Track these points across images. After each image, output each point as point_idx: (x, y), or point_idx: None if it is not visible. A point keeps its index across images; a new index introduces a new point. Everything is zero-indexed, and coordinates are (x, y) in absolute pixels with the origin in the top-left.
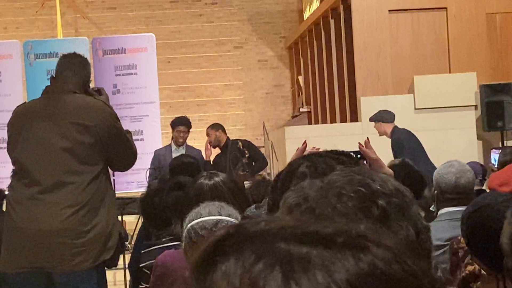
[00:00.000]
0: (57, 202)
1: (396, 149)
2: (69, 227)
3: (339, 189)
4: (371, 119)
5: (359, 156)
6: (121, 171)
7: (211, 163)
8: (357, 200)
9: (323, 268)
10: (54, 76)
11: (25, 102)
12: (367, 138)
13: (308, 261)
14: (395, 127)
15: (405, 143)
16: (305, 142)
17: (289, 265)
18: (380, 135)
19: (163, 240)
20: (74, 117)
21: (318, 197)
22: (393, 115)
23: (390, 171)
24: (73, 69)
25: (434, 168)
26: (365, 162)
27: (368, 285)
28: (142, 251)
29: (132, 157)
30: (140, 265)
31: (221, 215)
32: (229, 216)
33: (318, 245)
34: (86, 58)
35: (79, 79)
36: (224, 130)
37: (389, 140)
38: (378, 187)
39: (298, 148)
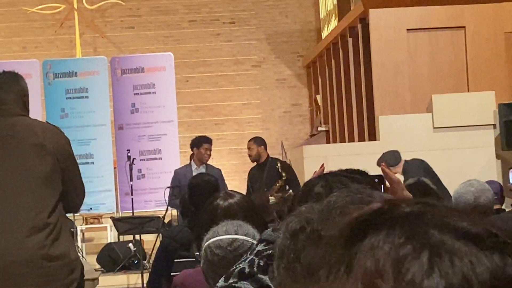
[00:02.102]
0: (20, 229)
1: (411, 176)
2: (33, 256)
3: (342, 208)
4: (377, 164)
5: (376, 180)
6: (72, 208)
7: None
8: None
9: (469, 266)
10: None
11: None
12: (383, 163)
13: (456, 255)
14: (405, 161)
15: (418, 171)
16: (322, 165)
17: (438, 255)
18: None
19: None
20: (30, 138)
21: (322, 219)
22: (398, 154)
23: (410, 194)
24: (8, 88)
25: (447, 192)
26: (381, 185)
27: None
28: (176, 260)
29: (83, 190)
30: (172, 274)
31: (237, 234)
32: (245, 235)
33: (469, 242)
34: (16, 73)
35: (16, 97)
36: (266, 147)
37: None
38: None
39: (316, 171)
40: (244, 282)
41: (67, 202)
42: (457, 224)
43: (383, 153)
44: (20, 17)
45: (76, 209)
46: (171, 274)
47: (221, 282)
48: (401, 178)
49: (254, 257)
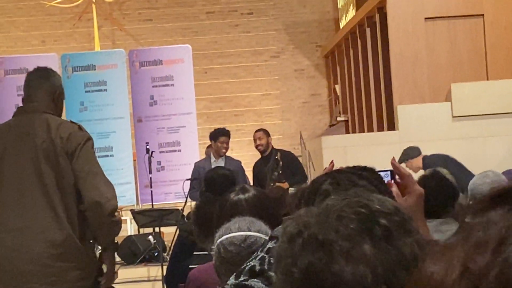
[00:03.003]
0: (30, 228)
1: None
2: (41, 255)
3: (339, 212)
4: (399, 162)
5: (387, 175)
6: (98, 200)
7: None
8: (359, 221)
9: None
10: (23, 96)
11: None
12: (393, 157)
13: None
14: (424, 156)
15: (439, 163)
16: (332, 162)
17: None
18: (415, 172)
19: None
20: (43, 135)
21: (319, 223)
22: (418, 148)
23: (421, 188)
24: (36, 85)
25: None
26: (392, 181)
27: None
28: (195, 253)
29: (107, 188)
30: (190, 266)
31: (250, 231)
32: (258, 231)
33: None
34: (49, 69)
35: (44, 94)
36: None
37: None
38: (378, 207)
39: (326, 167)
40: (255, 280)
41: (87, 200)
42: None
43: (403, 150)
44: (38, 11)
45: (102, 204)
46: (190, 266)
47: (231, 280)
48: (420, 174)
49: (265, 255)
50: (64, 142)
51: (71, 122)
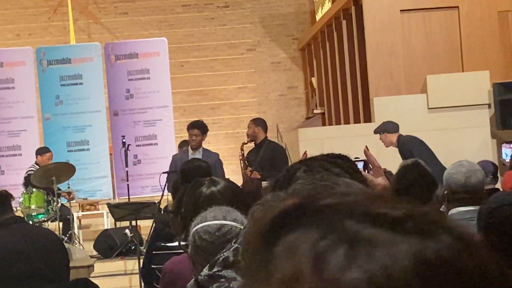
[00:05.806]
0: None
1: (405, 152)
2: None
3: None
4: (375, 132)
5: (360, 162)
6: None
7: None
8: None
9: (388, 254)
10: None
11: None
12: (366, 146)
13: (373, 243)
14: (400, 135)
15: (412, 144)
16: (305, 152)
17: (354, 245)
18: (386, 146)
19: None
20: None
21: None
22: (397, 125)
23: (386, 181)
24: None
25: (444, 168)
26: (365, 170)
27: (431, 275)
28: (155, 252)
29: None
30: (153, 266)
31: (225, 220)
32: (234, 220)
33: (386, 228)
34: None
35: None
36: (264, 128)
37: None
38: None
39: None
40: (228, 270)
41: None
42: (374, 210)
43: (383, 122)
44: (13, 5)
45: None
46: (153, 267)
47: (205, 271)
48: (391, 161)
49: (239, 246)
50: None
51: None
